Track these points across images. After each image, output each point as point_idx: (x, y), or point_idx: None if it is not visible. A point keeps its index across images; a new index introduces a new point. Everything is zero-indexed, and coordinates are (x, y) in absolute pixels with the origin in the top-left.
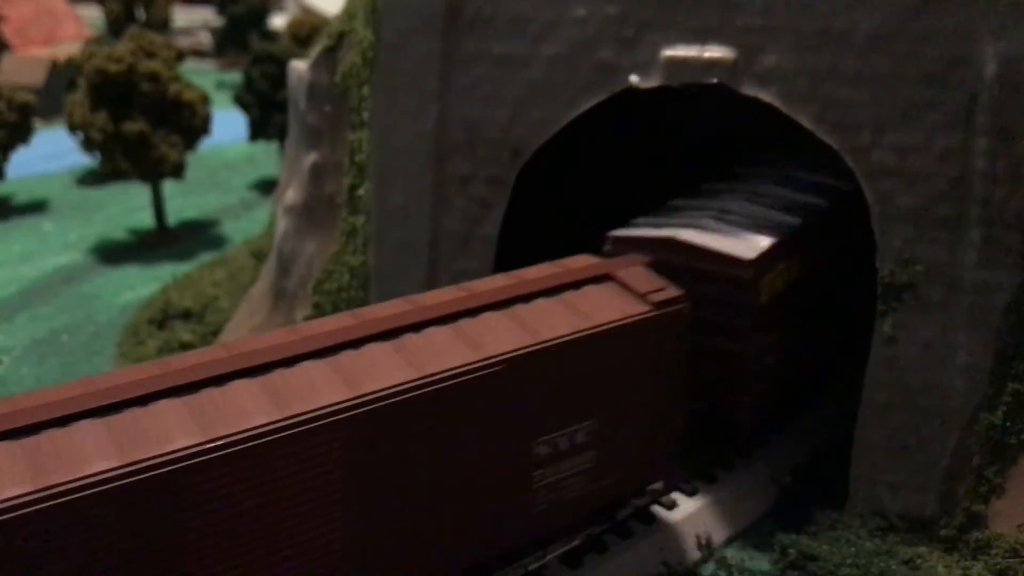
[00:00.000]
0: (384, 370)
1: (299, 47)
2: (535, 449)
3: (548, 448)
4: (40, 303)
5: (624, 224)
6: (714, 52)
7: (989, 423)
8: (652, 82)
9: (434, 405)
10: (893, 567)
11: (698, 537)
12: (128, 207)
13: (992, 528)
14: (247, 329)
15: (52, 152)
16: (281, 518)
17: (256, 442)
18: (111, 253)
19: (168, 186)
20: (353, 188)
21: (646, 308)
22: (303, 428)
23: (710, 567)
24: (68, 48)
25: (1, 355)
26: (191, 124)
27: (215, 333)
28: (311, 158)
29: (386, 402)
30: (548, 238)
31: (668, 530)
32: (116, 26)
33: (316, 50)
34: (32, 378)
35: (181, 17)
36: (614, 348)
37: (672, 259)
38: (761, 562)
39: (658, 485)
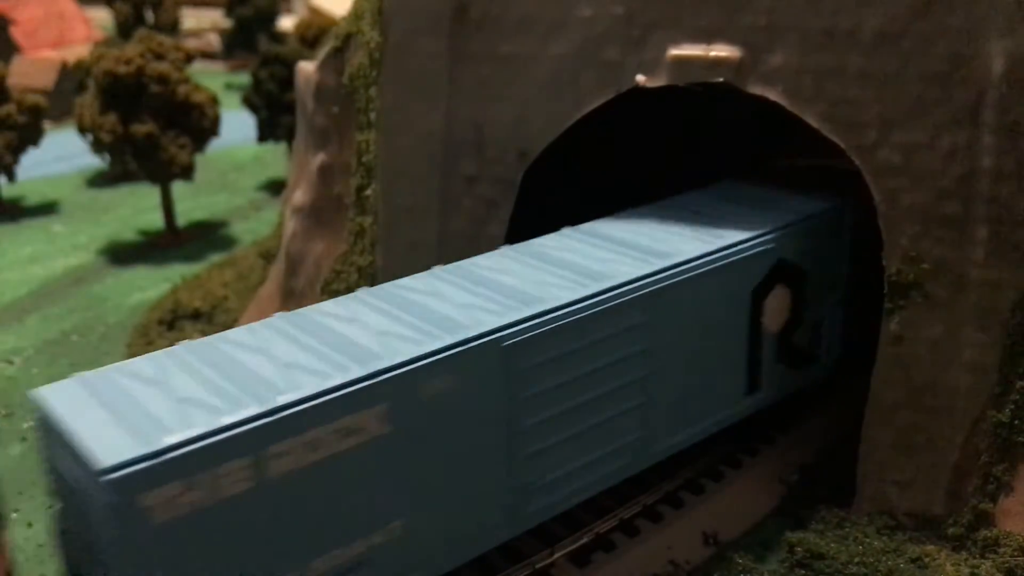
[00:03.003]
0: None
1: (307, 48)
2: None
3: None
4: (50, 304)
5: None
6: (720, 51)
7: (997, 421)
8: (658, 81)
9: None
10: (901, 565)
11: (705, 535)
12: (137, 208)
13: (1000, 526)
14: None
15: (62, 154)
16: None
17: None
18: (121, 254)
19: (177, 187)
20: (361, 189)
21: None
22: None
23: (717, 565)
24: (78, 50)
25: (12, 356)
26: (200, 126)
27: None
28: (319, 159)
29: None
30: None
31: (675, 528)
32: (125, 28)
33: (323, 51)
34: (43, 379)
35: (190, 19)
36: None
37: None
38: (768, 560)
39: None
